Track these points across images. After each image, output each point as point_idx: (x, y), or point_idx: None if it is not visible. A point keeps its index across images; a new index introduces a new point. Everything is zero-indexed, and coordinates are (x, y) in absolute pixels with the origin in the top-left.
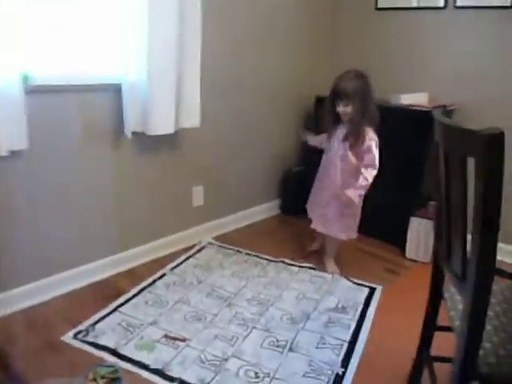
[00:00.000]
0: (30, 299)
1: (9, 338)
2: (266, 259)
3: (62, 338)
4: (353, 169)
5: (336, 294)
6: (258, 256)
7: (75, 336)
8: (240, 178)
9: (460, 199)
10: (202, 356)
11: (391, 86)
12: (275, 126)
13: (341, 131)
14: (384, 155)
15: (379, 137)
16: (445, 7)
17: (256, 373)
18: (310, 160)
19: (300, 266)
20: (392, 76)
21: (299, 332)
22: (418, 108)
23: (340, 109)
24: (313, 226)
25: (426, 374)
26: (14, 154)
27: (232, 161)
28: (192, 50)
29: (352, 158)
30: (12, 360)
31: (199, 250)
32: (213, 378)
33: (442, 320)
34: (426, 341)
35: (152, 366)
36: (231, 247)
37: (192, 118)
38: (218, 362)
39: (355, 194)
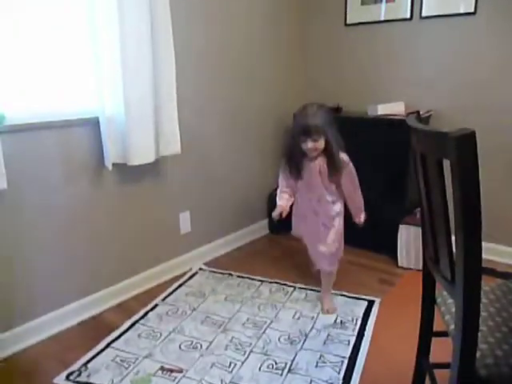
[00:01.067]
0: (18, 344)
1: None
2: (259, 280)
3: (54, 381)
4: (332, 194)
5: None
6: (250, 278)
7: (68, 377)
8: (226, 200)
9: (440, 202)
10: None
11: (368, 98)
12: (258, 146)
13: (316, 165)
14: (367, 166)
15: (358, 148)
16: (411, 18)
17: None
18: None
19: (294, 287)
20: (368, 88)
21: (298, 352)
22: (395, 117)
23: (309, 145)
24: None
25: (427, 381)
26: None
27: (217, 184)
28: (167, 78)
29: (333, 186)
30: None
31: (191, 277)
32: None
33: (439, 325)
34: (424, 348)
35: None
36: (222, 271)
37: (172, 145)
38: None
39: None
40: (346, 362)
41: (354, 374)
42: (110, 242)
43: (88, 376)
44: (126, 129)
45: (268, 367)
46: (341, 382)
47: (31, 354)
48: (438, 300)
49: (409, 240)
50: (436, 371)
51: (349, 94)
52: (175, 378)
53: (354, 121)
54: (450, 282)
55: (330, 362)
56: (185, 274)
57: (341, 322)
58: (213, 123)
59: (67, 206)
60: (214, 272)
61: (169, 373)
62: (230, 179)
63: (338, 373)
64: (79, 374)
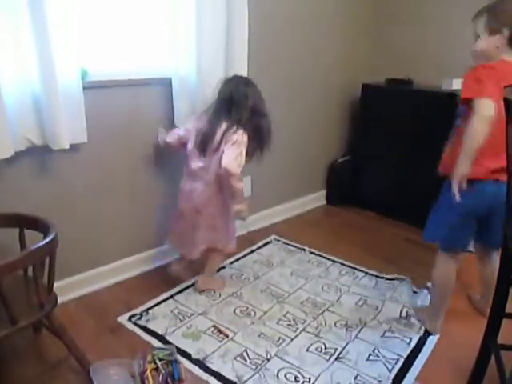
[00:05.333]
0: (89, 286)
1: (69, 321)
2: (332, 260)
3: (118, 319)
4: None
5: (401, 302)
6: (322, 256)
7: (130, 319)
8: (287, 168)
9: None
10: (245, 353)
11: (445, 71)
12: (321, 116)
13: None
14: None
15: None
16: None
17: (296, 377)
18: (355, 150)
19: (366, 273)
20: (444, 61)
21: (351, 341)
22: None
23: None
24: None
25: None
26: (74, 146)
27: (279, 151)
28: (239, 41)
29: None
30: (72, 340)
31: (263, 245)
32: (250, 377)
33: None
34: (493, 328)
35: (194, 356)
36: (296, 245)
37: None
38: (260, 361)
39: None
40: (401, 361)
41: (408, 375)
42: (172, 204)
43: (147, 321)
44: (196, 89)
45: (316, 349)
46: (390, 381)
47: (98, 296)
48: None
49: None
50: (503, 353)
51: (426, 65)
52: (223, 339)
53: (427, 94)
54: None
55: (384, 358)
56: (258, 241)
57: (406, 315)
58: (279, 90)
59: (139, 161)
60: (288, 244)
61: (218, 333)
62: (292, 147)
63: (390, 371)
64: (140, 318)
